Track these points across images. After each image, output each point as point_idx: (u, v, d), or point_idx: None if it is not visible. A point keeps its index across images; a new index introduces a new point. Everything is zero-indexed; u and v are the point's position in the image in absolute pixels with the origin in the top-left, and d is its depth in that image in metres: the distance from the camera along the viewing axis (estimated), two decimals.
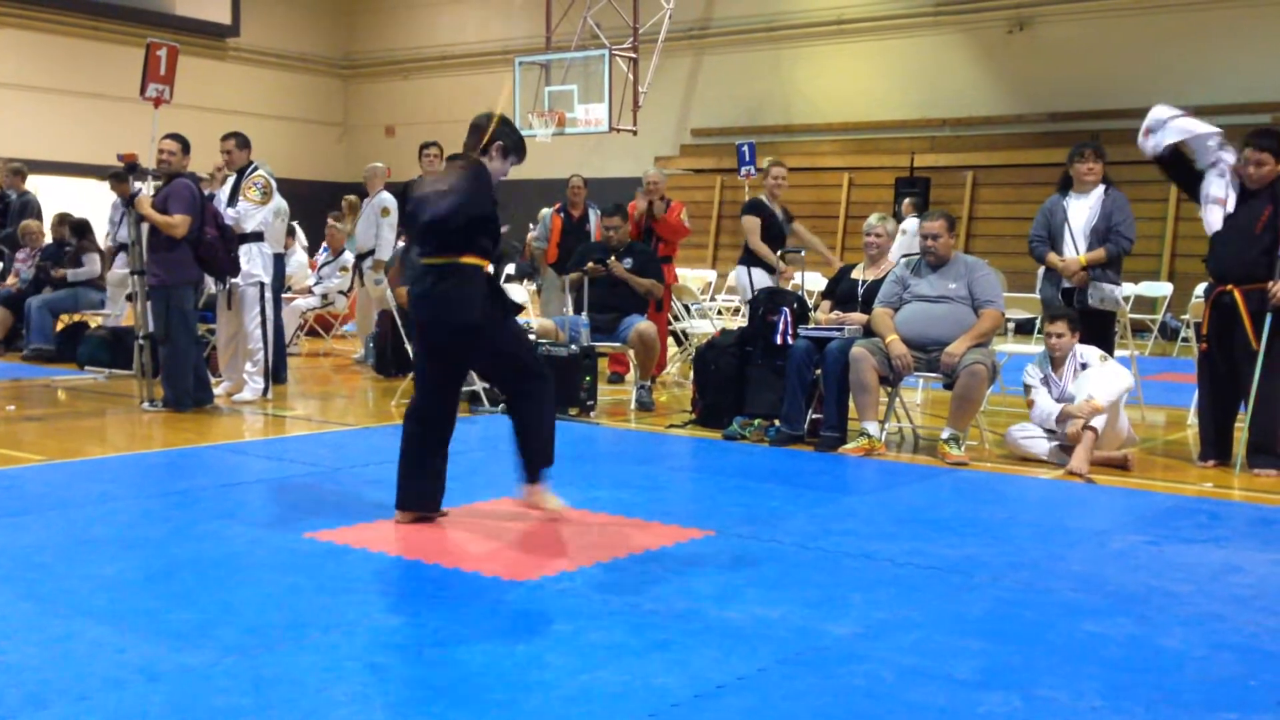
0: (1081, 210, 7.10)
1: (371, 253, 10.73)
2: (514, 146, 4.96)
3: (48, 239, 11.77)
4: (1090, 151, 7.16)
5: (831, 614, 3.76)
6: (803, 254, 8.56)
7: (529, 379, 4.95)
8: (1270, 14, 16.16)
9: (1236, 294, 6.26)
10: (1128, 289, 10.64)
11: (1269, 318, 6.15)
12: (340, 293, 12.42)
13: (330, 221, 12.93)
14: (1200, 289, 6.67)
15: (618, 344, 8.62)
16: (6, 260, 12.16)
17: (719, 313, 13.96)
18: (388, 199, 10.79)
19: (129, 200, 8.05)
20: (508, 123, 5.03)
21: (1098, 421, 6.31)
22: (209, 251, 7.86)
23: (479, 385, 8.29)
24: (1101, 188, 7.13)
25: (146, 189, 8.12)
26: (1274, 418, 6.27)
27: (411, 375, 8.46)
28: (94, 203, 12.45)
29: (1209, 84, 16.36)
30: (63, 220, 11.63)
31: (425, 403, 4.97)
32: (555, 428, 5.01)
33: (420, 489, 4.94)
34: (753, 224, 9.35)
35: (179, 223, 7.71)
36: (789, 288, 8.24)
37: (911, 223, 15.31)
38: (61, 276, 11.16)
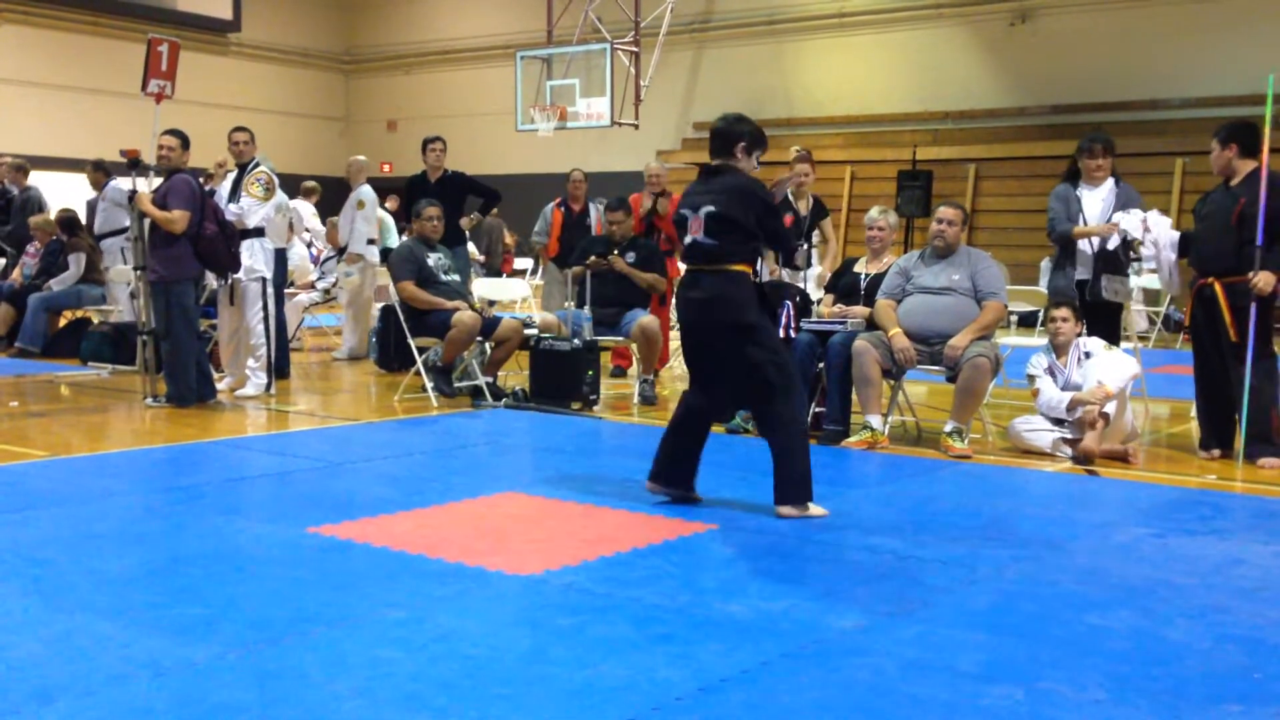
0: (1095, 202, 7.10)
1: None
2: (752, 139, 5.09)
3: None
4: (1100, 148, 7.14)
5: (834, 607, 3.76)
6: (804, 246, 8.53)
7: (770, 398, 5.01)
8: (1271, 6, 16.13)
9: (1217, 287, 6.29)
10: (1131, 281, 10.62)
11: (1253, 309, 6.16)
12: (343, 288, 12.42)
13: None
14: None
15: (620, 338, 8.62)
16: (10, 257, 12.17)
17: None
18: (363, 193, 10.80)
19: (129, 196, 8.07)
20: (741, 119, 5.18)
21: (1110, 407, 6.31)
22: (209, 247, 7.85)
23: (481, 380, 8.30)
24: (1110, 181, 7.14)
25: (146, 185, 8.12)
26: (1266, 407, 6.29)
27: (414, 370, 8.49)
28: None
29: (1210, 76, 16.33)
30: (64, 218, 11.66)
31: (693, 393, 5.19)
32: (806, 454, 5.00)
33: (673, 468, 5.19)
34: None
35: (178, 218, 7.69)
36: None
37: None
38: (47, 289, 11.18)
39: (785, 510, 4.96)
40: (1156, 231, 6.85)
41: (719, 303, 5.00)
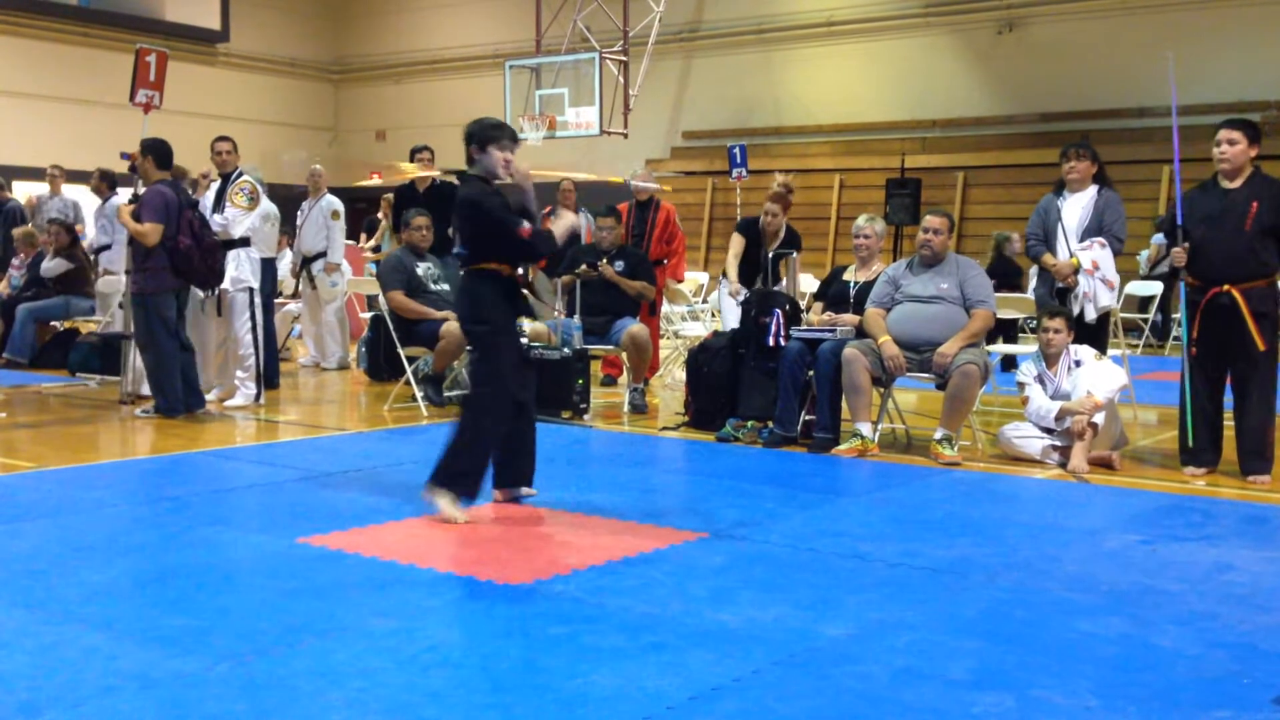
0: (1074, 210, 7.12)
1: (321, 255, 10.76)
2: (470, 139, 5.23)
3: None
4: (1073, 151, 7.16)
5: (825, 615, 3.76)
6: (794, 255, 8.54)
7: (465, 400, 5.35)
8: (1257, 14, 16.22)
9: (1236, 294, 6.02)
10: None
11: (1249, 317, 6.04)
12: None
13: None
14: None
15: (610, 346, 8.62)
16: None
17: (712, 315, 13.96)
18: (336, 202, 10.84)
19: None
20: (471, 124, 5.33)
21: (1098, 417, 6.33)
22: (183, 261, 7.77)
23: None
24: (1094, 188, 7.13)
25: (127, 196, 8.13)
26: (1265, 423, 6.13)
27: (404, 379, 8.48)
28: (84, 209, 12.44)
29: (1196, 83, 16.39)
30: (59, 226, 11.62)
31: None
32: (470, 456, 5.10)
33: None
34: (734, 243, 8.88)
35: (148, 230, 7.66)
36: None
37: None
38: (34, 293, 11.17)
39: (426, 492, 5.07)
40: (1104, 269, 6.96)
41: (462, 299, 5.38)
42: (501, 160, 5.18)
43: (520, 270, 5.37)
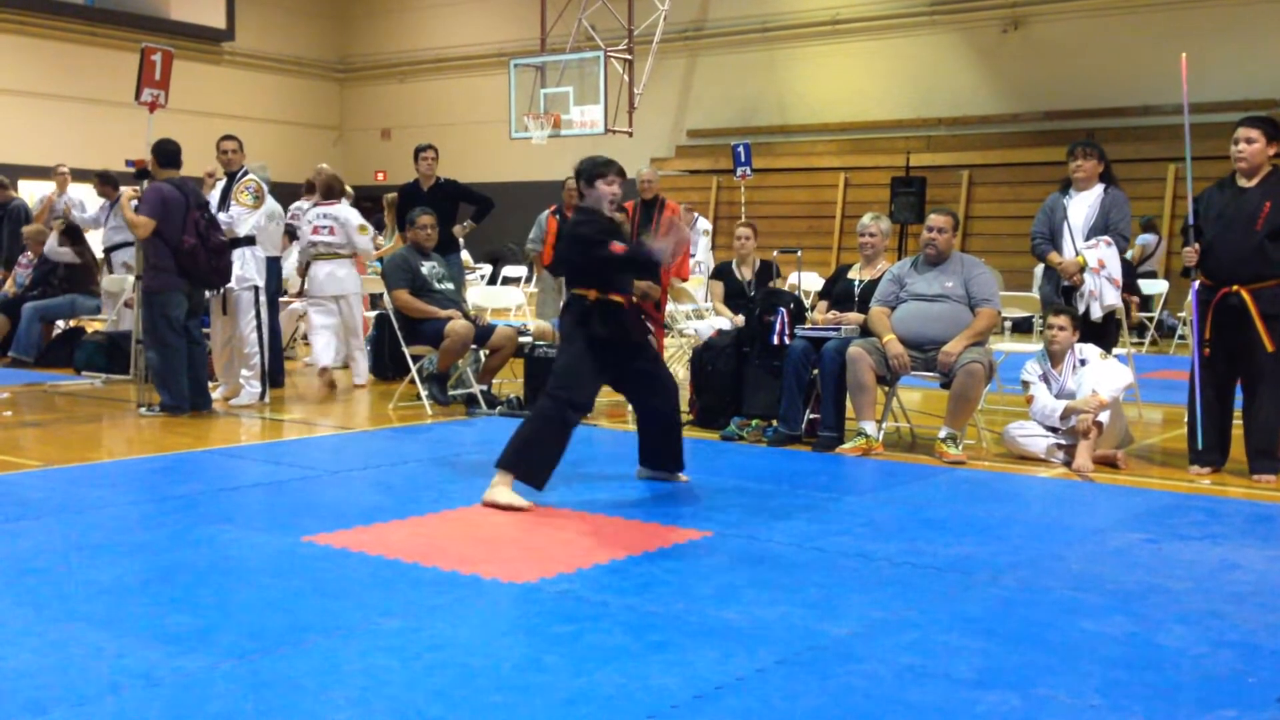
0: (1080, 208, 7.11)
1: None
2: (578, 176, 5.58)
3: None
4: (1080, 150, 7.16)
5: (830, 614, 3.76)
6: (799, 253, 8.54)
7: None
8: (1262, 12, 16.20)
9: (1245, 295, 5.95)
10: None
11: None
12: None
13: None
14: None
15: None
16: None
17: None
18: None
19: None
20: (581, 162, 5.64)
21: (1103, 416, 6.32)
22: (188, 260, 7.80)
23: (476, 388, 8.30)
24: (1100, 186, 7.13)
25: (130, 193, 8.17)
26: (1274, 424, 6.07)
27: (409, 378, 8.49)
28: (90, 208, 12.46)
29: (1201, 82, 16.38)
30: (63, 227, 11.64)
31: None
32: (537, 440, 5.34)
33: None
34: (714, 289, 8.82)
35: (140, 224, 7.72)
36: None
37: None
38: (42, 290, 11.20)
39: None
40: (1110, 268, 6.94)
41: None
42: (609, 194, 5.47)
43: (621, 293, 5.50)
